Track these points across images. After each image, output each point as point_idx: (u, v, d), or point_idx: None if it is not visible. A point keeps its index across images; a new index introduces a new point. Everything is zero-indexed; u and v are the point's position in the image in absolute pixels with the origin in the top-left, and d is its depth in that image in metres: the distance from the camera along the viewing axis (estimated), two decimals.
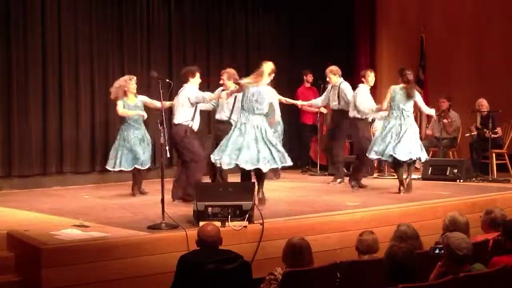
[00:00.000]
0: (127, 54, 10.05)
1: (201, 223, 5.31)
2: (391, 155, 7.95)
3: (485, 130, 10.07)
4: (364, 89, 8.76)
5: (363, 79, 8.84)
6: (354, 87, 8.96)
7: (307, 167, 10.83)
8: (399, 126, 8.02)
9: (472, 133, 10.51)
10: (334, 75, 9.07)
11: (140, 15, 10.19)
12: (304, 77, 11.04)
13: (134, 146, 7.93)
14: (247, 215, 5.76)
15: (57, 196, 8.39)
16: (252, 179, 7.11)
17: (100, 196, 8.29)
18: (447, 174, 9.55)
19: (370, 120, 9.22)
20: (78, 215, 6.45)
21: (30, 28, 9.11)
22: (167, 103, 7.63)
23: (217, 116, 8.10)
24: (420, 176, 9.91)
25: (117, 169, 7.98)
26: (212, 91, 8.10)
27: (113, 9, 9.94)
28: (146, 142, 8.07)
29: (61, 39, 9.38)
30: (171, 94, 7.90)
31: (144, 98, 8.22)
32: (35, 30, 9.16)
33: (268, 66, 7.09)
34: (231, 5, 11.29)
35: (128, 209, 7.01)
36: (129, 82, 8.06)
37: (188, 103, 7.48)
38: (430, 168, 9.76)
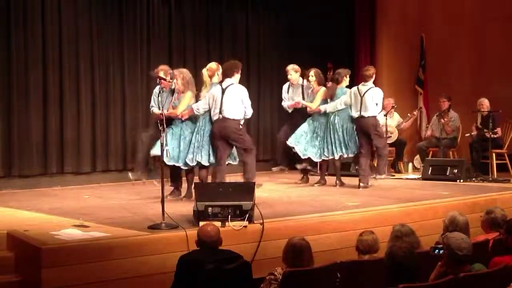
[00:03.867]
0: (127, 54, 10.04)
1: (201, 223, 5.31)
2: None
3: (485, 130, 10.08)
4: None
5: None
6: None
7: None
8: None
9: (472, 133, 10.52)
10: (296, 73, 9.22)
11: (140, 15, 10.18)
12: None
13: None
14: (247, 215, 5.75)
15: (57, 196, 8.38)
16: None
17: (100, 196, 8.29)
18: (447, 174, 9.55)
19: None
20: (78, 215, 6.44)
21: (30, 28, 9.11)
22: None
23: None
24: (420, 176, 9.93)
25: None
26: None
27: (113, 9, 9.93)
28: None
29: (61, 39, 9.37)
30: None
31: None
32: (35, 30, 9.15)
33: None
34: (231, 5, 11.28)
35: (128, 209, 7.01)
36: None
37: (241, 102, 7.61)
38: (430, 168, 9.76)
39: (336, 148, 8.77)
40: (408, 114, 11.24)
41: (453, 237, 4.31)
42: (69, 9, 9.46)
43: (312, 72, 9.05)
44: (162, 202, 5.86)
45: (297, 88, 9.22)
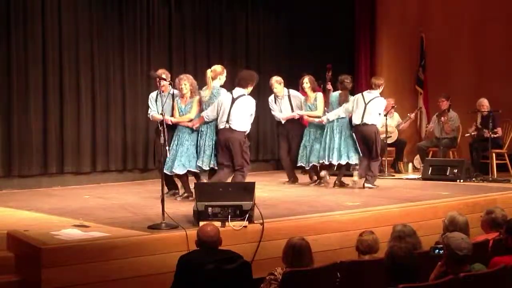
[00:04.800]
0: (127, 54, 10.04)
1: (201, 223, 5.31)
2: None
3: (485, 130, 10.07)
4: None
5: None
6: (356, 88, 8.99)
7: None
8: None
9: (472, 133, 10.52)
10: (280, 85, 9.14)
11: (140, 15, 10.18)
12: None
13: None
14: (247, 215, 5.75)
15: (57, 196, 8.38)
16: None
17: (100, 196, 8.29)
18: (447, 174, 9.55)
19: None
20: (78, 215, 6.45)
21: (30, 28, 9.11)
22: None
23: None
24: (420, 176, 9.92)
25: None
26: None
27: (113, 9, 9.94)
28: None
29: (61, 39, 9.38)
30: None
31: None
32: (35, 30, 9.15)
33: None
34: (231, 5, 11.29)
35: (128, 209, 7.01)
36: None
37: (249, 115, 7.63)
38: (430, 168, 9.76)
39: (332, 154, 8.75)
40: (408, 114, 11.25)
41: (453, 237, 4.31)
42: (69, 9, 9.46)
43: (306, 79, 9.00)
44: (162, 202, 5.85)
45: (284, 99, 9.18)
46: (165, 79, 7.41)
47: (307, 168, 9.14)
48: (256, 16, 11.61)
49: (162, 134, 6.00)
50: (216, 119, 7.58)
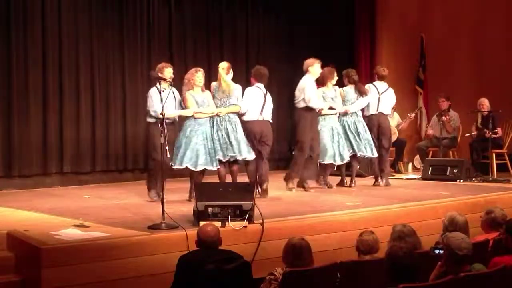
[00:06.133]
0: (127, 54, 10.05)
1: (201, 223, 5.32)
2: None
3: (485, 130, 10.08)
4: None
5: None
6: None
7: None
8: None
9: (472, 133, 10.52)
10: None
11: (140, 15, 10.19)
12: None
13: None
14: (247, 215, 5.76)
15: (57, 196, 8.38)
16: None
17: (100, 196, 8.29)
18: (447, 174, 9.56)
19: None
20: (78, 215, 6.44)
21: (30, 28, 9.11)
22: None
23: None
24: (420, 176, 9.93)
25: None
26: None
27: (113, 9, 9.94)
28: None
29: (61, 39, 9.38)
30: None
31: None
32: (35, 30, 9.16)
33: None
34: (231, 5, 11.30)
35: (128, 209, 7.01)
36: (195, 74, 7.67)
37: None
38: (430, 168, 9.77)
39: (365, 147, 8.68)
40: (408, 114, 11.26)
41: (453, 237, 4.31)
42: (69, 9, 9.47)
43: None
44: (162, 202, 5.85)
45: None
46: (164, 79, 7.35)
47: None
48: (256, 16, 11.62)
49: (162, 134, 6.00)
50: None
